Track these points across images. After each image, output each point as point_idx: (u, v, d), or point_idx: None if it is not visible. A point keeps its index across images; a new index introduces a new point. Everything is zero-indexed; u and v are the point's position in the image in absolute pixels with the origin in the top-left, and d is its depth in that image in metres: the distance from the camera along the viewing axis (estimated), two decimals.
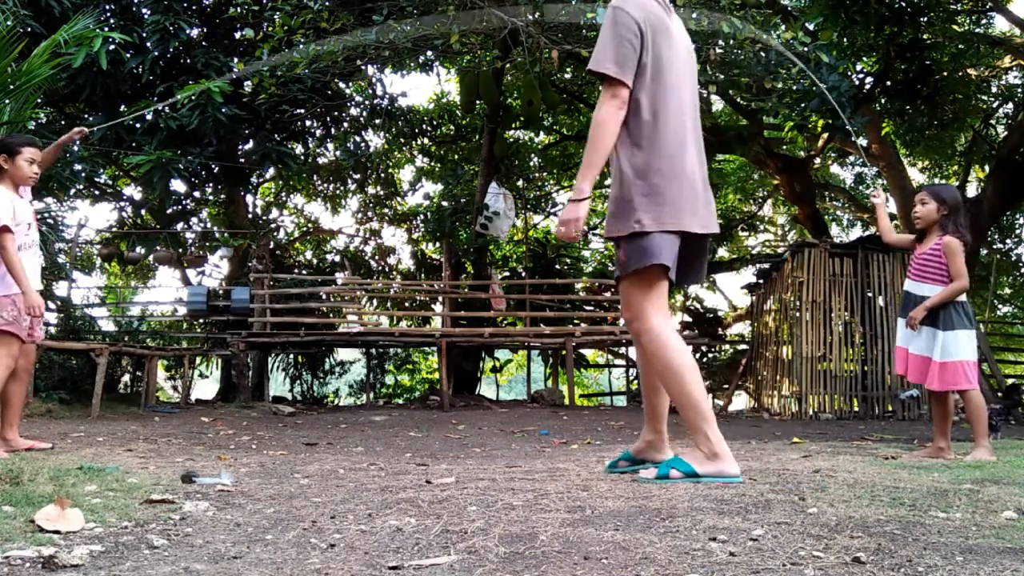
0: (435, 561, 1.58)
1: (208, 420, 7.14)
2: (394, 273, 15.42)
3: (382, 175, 15.18)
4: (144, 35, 8.92)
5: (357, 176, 14.57)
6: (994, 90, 13.37)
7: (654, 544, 1.67)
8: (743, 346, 13.09)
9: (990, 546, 1.63)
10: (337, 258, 15.75)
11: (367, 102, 12.33)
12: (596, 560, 1.56)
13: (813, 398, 9.37)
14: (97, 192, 13.11)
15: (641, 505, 2.11)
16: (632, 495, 2.27)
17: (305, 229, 15.99)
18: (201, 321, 11.53)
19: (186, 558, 1.65)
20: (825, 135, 11.76)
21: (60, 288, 10.67)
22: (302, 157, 11.54)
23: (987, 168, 13.65)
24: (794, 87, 7.49)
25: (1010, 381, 11.49)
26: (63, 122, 10.89)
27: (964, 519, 1.91)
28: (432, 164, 15.65)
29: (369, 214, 15.70)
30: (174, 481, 2.72)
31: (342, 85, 11.29)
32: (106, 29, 7.50)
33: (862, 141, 13.23)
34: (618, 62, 2.53)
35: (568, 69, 12.68)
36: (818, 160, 15.20)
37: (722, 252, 18.21)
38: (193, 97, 8.49)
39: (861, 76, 11.97)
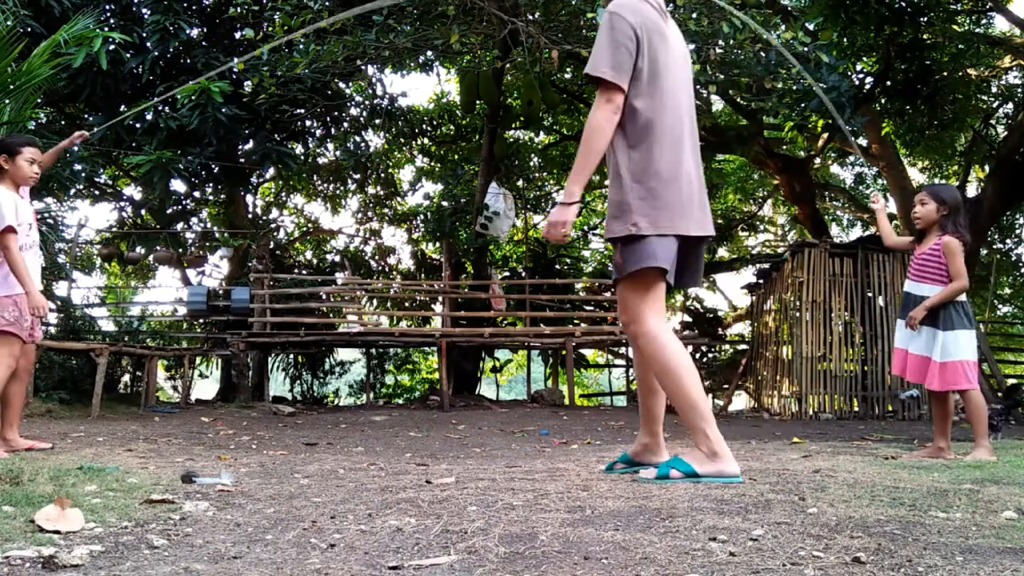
0: (435, 561, 1.58)
1: (208, 420, 7.14)
2: (394, 273, 15.42)
3: (382, 175, 15.18)
4: (144, 35, 8.92)
5: (357, 176, 14.57)
6: (994, 90, 13.37)
7: (654, 544, 1.67)
8: (743, 346, 13.10)
9: (990, 546, 1.63)
10: (337, 258, 15.75)
11: (367, 102, 12.33)
12: (596, 560, 1.56)
13: (813, 398, 9.38)
14: (97, 192, 13.11)
15: (641, 505, 2.11)
16: (632, 495, 2.27)
17: (305, 229, 16.00)
18: (201, 321, 11.54)
19: (186, 558, 1.65)
20: (825, 135, 11.77)
21: (60, 288, 10.68)
22: (302, 157, 11.54)
23: (987, 168, 13.66)
24: (794, 87, 7.49)
25: (1010, 381, 11.49)
26: (63, 122, 10.90)
27: (964, 519, 1.91)
28: (432, 164, 15.65)
29: (369, 214, 15.70)
30: (174, 481, 2.72)
31: (342, 85, 11.29)
32: (106, 29, 7.50)
33: (862, 141, 13.25)
34: (614, 67, 2.55)
35: (568, 69, 12.68)
36: (818, 160, 15.21)
37: (722, 252, 18.21)
38: (193, 97, 8.49)
39: (861, 76, 11.98)
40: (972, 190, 14.52)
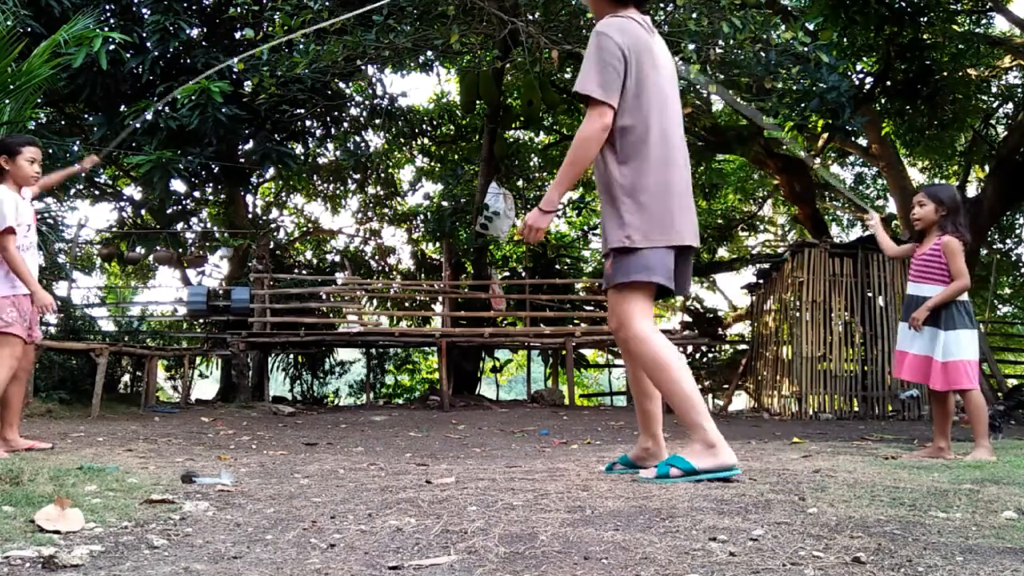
0: (435, 561, 1.58)
1: (208, 420, 7.14)
2: (394, 273, 15.42)
3: (382, 175, 15.18)
4: (144, 35, 8.92)
5: (357, 176, 14.57)
6: (994, 90, 13.38)
7: (654, 544, 1.67)
8: (743, 346, 13.10)
9: (990, 546, 1.63)
10: (337, 258, 15.75)
11: (367, 102, 12.33)
12: (596, 560, 1.56)
13: (813, 398, 9.38)
14: (97, 192, 13.12)
15: (641, 505, 2.11)
16: (632, 495, 2.28)
17: (305, 229, 16.00)
18: (201, 321, 11.54)
19: (186, 558, 1.65)
20: (825, 135, 11.77)
21: (60, 288, 10.67)
22: (302, 157, 11.54)
23: (987, 168, 13.66)
24: (794, 87, 7.49)
25: (1011, 381, 11.49)
26: (63, 122, 10.90)
27: (964, 519, 1.91)
28: (432, 164, 15.65)
29: (369, 214, 15.70)
30: (174, 481, 2.72)
31: (342, 85, 11.29)
32: (106, 29, 7.50)
33: (862, 141, 13.25)
34: (602, 85, 2.61)
35: (568, 69, 12.68)
36: (818, 160, 15.19)
37: (722, 252, 18.21)
38: (193, 97, 8.49)
39: (861, 76, 11.98)
40: (972, 190, 14.53)
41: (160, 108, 8.94)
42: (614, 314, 2.71)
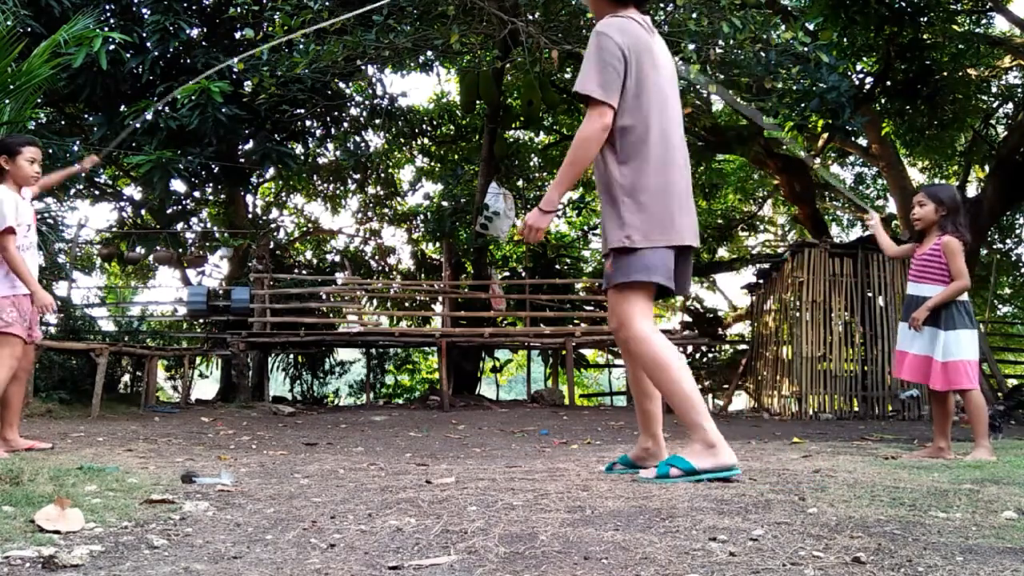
0: (435, 561, 1.58)
1: (208, 420, 7.14)
2: (394, 273, 15.42)
3: (382, 175, 15.18)
4: (144, 35, 8.92)
5: (357, 176, 14.57)
6: (994, 90, 13.38)
7: (654, 544, 1.67)
8: (743, 346, 13.10)
9: (990, 546, 1.63)
10: (337, 258, 15.75)
11: (367, 102, 12.33)
12: (596, 560, 1.56)
13: (813, 398, 9.38)
14: (97, 192, 13.12)
15: (641, 505, 2.11)
16: (632, 495, 2.28)
17: (305, 229, 16.00)
18: (201, 321, 11.54)
19: (186, 558, 1.65)
20: (825, 135, 11.76)
21: (60, 288, 10.67)
22: (302, 157, 11.54)
23: (987, 168, 13.66)
24: (794, 87, 7.49)
25: (1011, 382, 11.49)
26: (63, 122, 10.90)
27: (964, 519, 1.91)
28: (432, 164, 15.65)
29: (369, 214, 15.70)
30: (174, 481, 2.72)
31: (342, 85, 11.29)
32: (106, 29, 7.50)
33: (862, 141, 13.24)
34: (602, 85, 2.62)
35: (568, 69, 12.68)
36: (818, 160, 15.19)
37: (722, 252, 18.21)
38: (193, 97, 8.49)
39: (861, 76, 11.98)
40: (972, 190, 14.53)
41: (160, 108, 8.94)
42: (614, 314, 2.71)
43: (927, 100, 10.94)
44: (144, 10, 9.26)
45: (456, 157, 14.78)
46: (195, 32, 9.91)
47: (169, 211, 12.06)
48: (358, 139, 12.51)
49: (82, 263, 13.94)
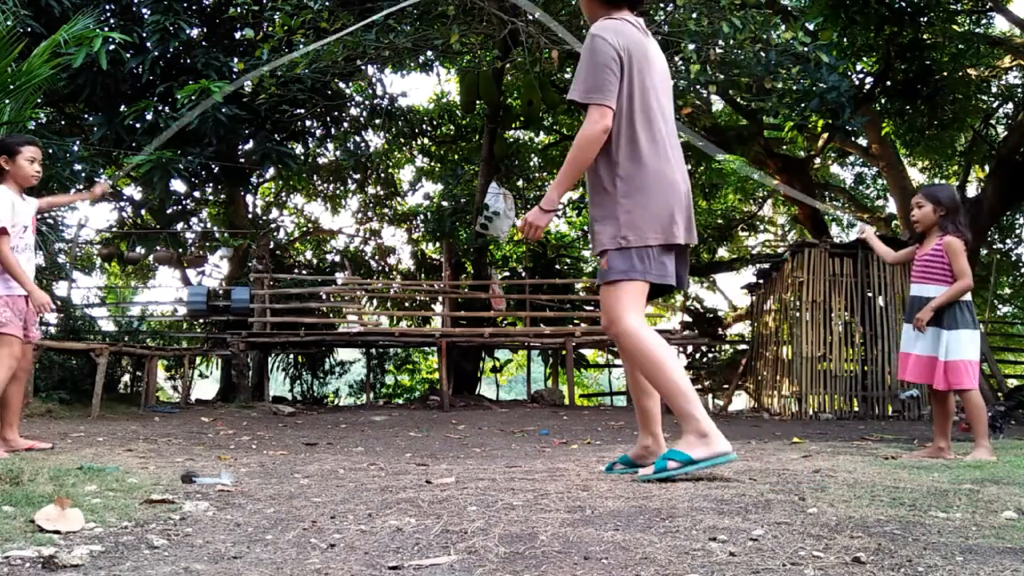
0: (435, 561, 1.58)
1: (208, 420, 7.14)
2: (394, 273, 15.42)
3: (382, 175, 15.18)
4: (144, 35, 8.92)
5: (357, 176, 14.57)
6: (994, 90, 13.38)
7: (654, 544, 1.67)
8: (743, 346, 13.09)
9: (990, 546, 1.63)
10: (337, 258, 15.75)
11: (367, 102, 12.33)
12: (596, 560, 1.56)
13: (813, 398, 9.37)
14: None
15: (641, 505, 2.11)
16: (632, 495, 2.28)
17: (305, 229, 15.99)
18: (201, 321, 11.54)
19: (186, 558, 1.65)
20: (825, 135, 11.77)
21: (60, 288, 10.67)
22: (302, 157, 11.54)
23: (987, 168, 13.66)
24: (794, 87, 7.49)
25: (1011, 382, 11.49)
26: (63, 122, 10.90)
27: (964, 519, 1.91)
28: (432, 164, 15.65)
29: (369, 214, 15.70)
30: (174, 481, 2.72)
31: (342, 85, 11.29)
32: (106, 29, 7.49)
33: (862, 141, 13.24)
34: (600, 88, 2.64)
35: (568, 69, 12.68)
36: (818, 160, 15.21)
37: (722, 252, 18.20)
38: (193, 97, 8.49)
39: (861, 76, 11.98)
40: (972, 190, 14.53)
41: (159, 108, 8.95)
42: (605, 310, 2.74)
43: (927, 100, 10.94)
44: (144, 10, 9.27)
45: (456, 157, 14.78)
46: (195, 32, 9.92)
47: (169, 211, 12.06)
48: (358, 139, 12.51)
49: (82, 263, 13.94)
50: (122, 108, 9.40)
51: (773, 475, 2.70)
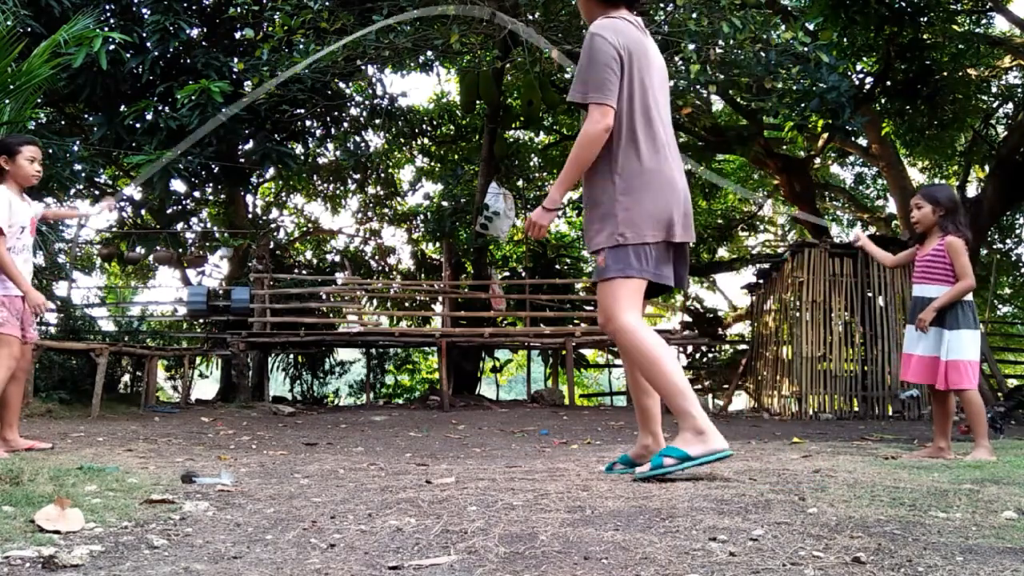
0: (435, 561, 1.58)
1: (208, 420, 7.14)
2: (394, 273, 15.42)
3: (382, 175, 15.18)
4: (144, 35, 8.92)
5: (357, 176, 14.57)
6: (994, 90, 13.38)
7: (654, 544, 1.67)
8: (743, 346, 13.09)
9: (990, 546, 1.63)
10: (337, 258, 15.75)
11: (367, 102, 12.33)
12: (596, 560, 1.56)
13: (813, 398, 9.37)
14: (97, 192, 13.10)
15: (641, 505, 2.11)
16: (632, 495, 2.27)
17: (305, 229, 15.99)
18: (201, 321, 11.54)
19: (186, 558, 1.65)
20: (825, 135, 11.77)
21: (60, 288, 10.67)
22: (302, 157, 11.54)
23: (987, 168, 13.66)
24: (794, 87, 7.49)
25: (1011, 382, 11.49)
26: (63, 122, 10.90)
27: (964, 519, 1.91)
28: (432, 164, 15.65)
29: (369, 214, 15.70)
30: (174, 481, 2.72)
31: (342, 85, 11.29)
32: (106, 29, 7.50)
33: (862, 141, 13.23)
34: (601, 87, 2.65)
35: (568, 69, 12.68)
36: (818, 160, 15.21)
37: (722, 252, 18.21)
38: (193, 97, 8.50)
39: (861, 76, 11.98)
40: (972, 190, 14.53)
41: (160, 108, 8.94)
42: (602, 308, 2.74)
43: (927, 100, 10.94)
44: (144, 10, 9.26)
45: (456, 157, 14.77)
46: (195, 32, 9.91)
47: (169, 211, 12.05)
48: (358, 139, 12.50)
49: (82, 263, 13.95)
50: (122, 108, 9.39)
51: (773, 475, 2.70)
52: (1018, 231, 16.68)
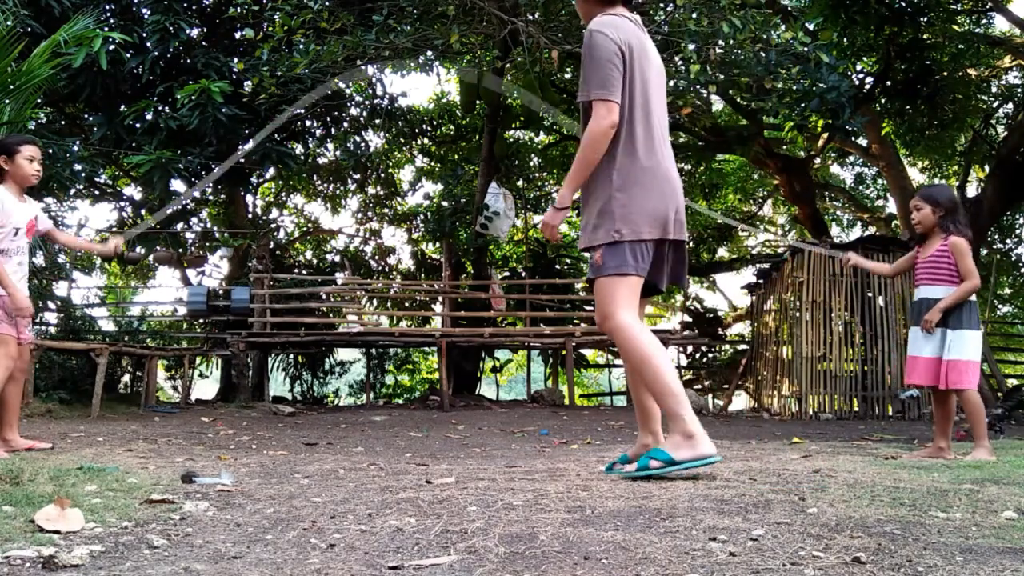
0: (435, 561, 1.58)
1: (208, 420, 7.14)
2: (394, 273, 15.42)
3: (382, 175, 15.18)
4: (144, 35, 8.92)
5: (357, 176, 14.57)
6: (994, 90, 13.38)
7: (654, 544, 1.67)
8: (743, 346, 13.09)
9: (990, 546, 1.63)
10: (337, 258, 15.75)
11: (367, 102, 12.32)
12: (596, 560, 1.56)
13: (813, 398, 9.38)
14: (97, 192, 13.11)
15: (641, 505, 2.11)
16: (632, 495, 2.27)
17: (305, 229, 15.99)
18: (201, 321, 11.54)
19: (186, 558, 1.65)
20: (825, 135, 11.76)
21: (60, 288, 10.67)
22: (302, 157, 11.54)
23: (987, 168, 13.66)
24: (794, 87, 7.49)
25: (1011, 382, 11.49)
26: (63, 122, 10.89)
27: (964, 519, 1.91)
28: (432, 164, 15.65)
29: (369, 214, 15.70)
30: (174, 481, 2.72)
31: (342, 85, 11.28)
32: (106, 29, 7.50)
33: (862, 141, 13.23)
34: (605, 84, 2.65)
35: (568, 69, 12.68)
36: (818, 160, 15.20)
37: (722, 252, 18.20)
38: (193, 97, 8.50)
39: (861, 76, 11.98)
40: (972, 190, 14.53)
41: (160, 108, 8.94)
42: (599, 306, 2.74)
43: (927, 100, 10.94)
44: (144, 10, 9.26)
45: (456, 157, 14.77)
46: (195, 32, 9.91)
47: (169, 211, 12.04)
48: (358, 139, 12.50)
49: (82, 263, 13.94)
50: (122, 108, 9.39)
51: (773, 475, 2.70)
52: (1018, 231, 16.68)
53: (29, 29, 7.37)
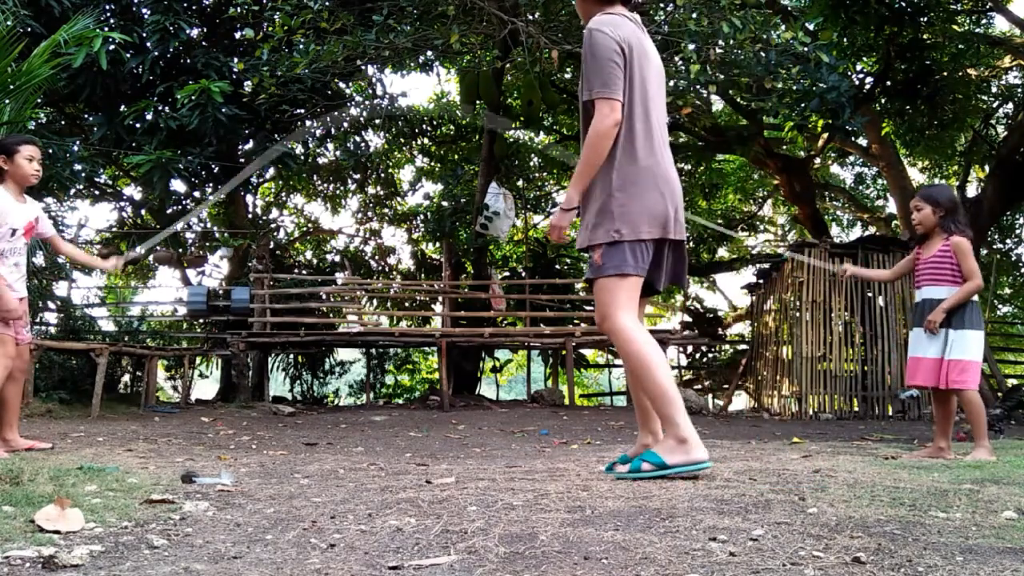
0: (435, 561, 1.58)
1: (208, 420, 7.14)
2: (394, 273, 15.42)
3: (382, 175, 15.18)
4: (144, 35, 8.93)
5: (357, 176, 14.57)
6: (994, 90, 13.38)
7: (654, 544, 1.67)
8: (743, 346, 13.10)
9: (990, 546, 1.63)
10: (337, 258, 15.75)
11: (367, 102, 12.33)
12: (596, 560, 1.56)
13: (813, 398, 9.38)
14: (97, 192, 13.11)
15: (641, 505, 2.11)
16: (632, 495, 2.27)
17: (305, 229, 15.99)
18: (201, 321, 11.54)
19: (186, 558, 1.65)
20: (825, 135, 11.77)
21: (60, 288, 10.67)
22: (302, 157, 11.54)
23: (987, 168, 13.66)
24: (794, 87, 7.49)
25: (1011, 382, 11.49)
26: (63, 122, 10.90)
27: (964, 519, 1.91)
28: (432, 164, 15.65)
29: (369, 214, 15.70)
30: (174, 481, 2.72)
31: (342, 85, 11.29)
32: (106, 29, 7.51)
33: (862, 141, 13.23)
34: (607, 82, 2.65)
35: (568, 69, 12.69)
36: (818, 160, 15.21)
37: (722, 252, 18.21)
38: (193, 97, 8.50)
39: (861, 76, 11.98)
40: (972, 190, 14.53)
41: (160, 108, 8.94)
42: (598, 307, 2.74)
43: (927, 100, 10.94)
44: (144, 10, 9.26)
45: (456, 157, 14.77)
46: (195, 32, 9.92)
47: (169, 211, 12.05)
48: (358, 139, 12.51)
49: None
50: (122, 108, 9.39)
51: (773, 475, 2.70)
52: (1018, 231, 16.68)
53: (29, 29, 7.37)
